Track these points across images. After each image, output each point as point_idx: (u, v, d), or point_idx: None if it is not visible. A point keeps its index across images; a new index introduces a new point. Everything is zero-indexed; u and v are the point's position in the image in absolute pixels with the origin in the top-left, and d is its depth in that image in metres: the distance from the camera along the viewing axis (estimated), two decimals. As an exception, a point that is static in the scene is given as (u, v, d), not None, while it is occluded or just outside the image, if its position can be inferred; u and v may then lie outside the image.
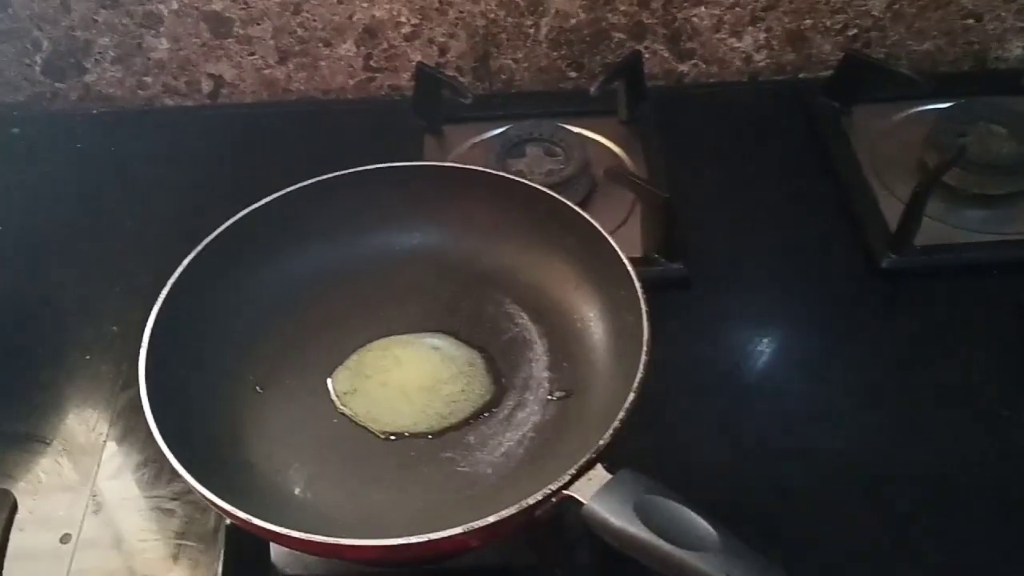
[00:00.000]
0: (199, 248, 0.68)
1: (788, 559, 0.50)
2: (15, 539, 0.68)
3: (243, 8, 0.96)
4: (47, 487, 0.71)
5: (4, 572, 0.66)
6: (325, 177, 0.72)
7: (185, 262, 0.67)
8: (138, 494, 0.70)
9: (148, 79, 1.02)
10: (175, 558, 0.66)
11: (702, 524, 0.49)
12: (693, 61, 1.02)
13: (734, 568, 0.47)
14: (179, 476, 0.66)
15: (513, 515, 0.53)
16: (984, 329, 0.78)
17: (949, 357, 0.76)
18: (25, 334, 0.82)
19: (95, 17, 0.97)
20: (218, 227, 0.69)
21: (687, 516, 0.50)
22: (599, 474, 0.53)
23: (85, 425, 0.75)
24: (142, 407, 0.59)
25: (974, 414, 0.73)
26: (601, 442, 0.55)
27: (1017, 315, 0.78)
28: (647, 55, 0.99)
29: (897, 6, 0.98)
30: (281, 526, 0.53)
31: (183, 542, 0.67)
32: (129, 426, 0.74)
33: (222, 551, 0.64)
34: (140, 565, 0.66)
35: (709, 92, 1.03)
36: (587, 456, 0.55)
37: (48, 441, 0.74)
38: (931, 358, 0.77)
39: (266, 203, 0.71)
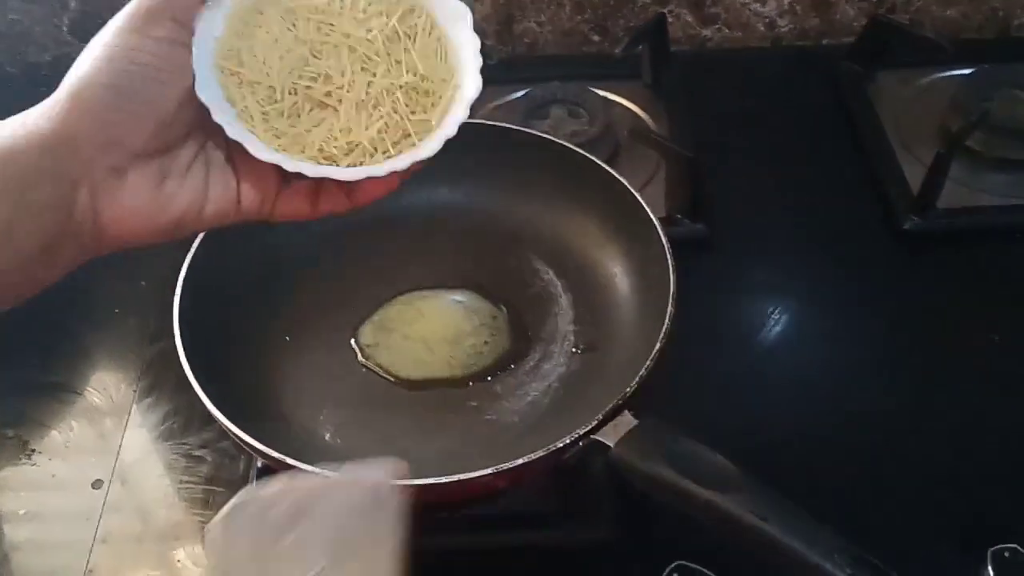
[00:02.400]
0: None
1: (807, 498, 0.51)
2: (49, 485, 0.70)
3: (269, -31, 0.97)
4: (79, 435, 0.72)
5: (42, 515, 0.67)
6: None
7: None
8: (168, 442, 0.71)
9: (174, 40, 1.02)
10: (205, 503, 0.67)
11: (726, 464, 0.50)
12: (717, 26, 1.02)
13: (757, 506, 0.48)
14: (209, 424, 0.69)
15: (542, 457, 0.54)
16: (1003, 290, 0.78)
17: (969, 318, 0.77)
18: (55, 290, 0.83)
19: (122, -23, 0.97)
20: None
21: (711, 458, 0.51)
22: (626, 420, 0.54)
23: (115, 376, 0.76)
24: (171, 359, 0.60)
25: (992, 374, 0.73)
26: (628, 389, 0.56)
27: (1037, 277, 0.78)
28: (671, 19, 0.99)
29: (922, -29, 0.98)
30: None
31: (213, 487, 0.68)
32: (158, 377, 0.75)
33: (252, 496, 0.65)
34: (170, 509, 0.67)
35: (732, 57, 1.03)
36: (614, 402, 0.56)
37: (79, 391, 0.75)
38: (951, 319, 0.77)
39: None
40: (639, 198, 0.68)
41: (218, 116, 0.46)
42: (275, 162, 0.47)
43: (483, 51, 0.92)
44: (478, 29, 1.05)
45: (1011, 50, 1.01)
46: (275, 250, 0.72)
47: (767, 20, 1.02)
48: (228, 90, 0.48)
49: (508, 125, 0.76)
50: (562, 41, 1.02)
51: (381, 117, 0.49)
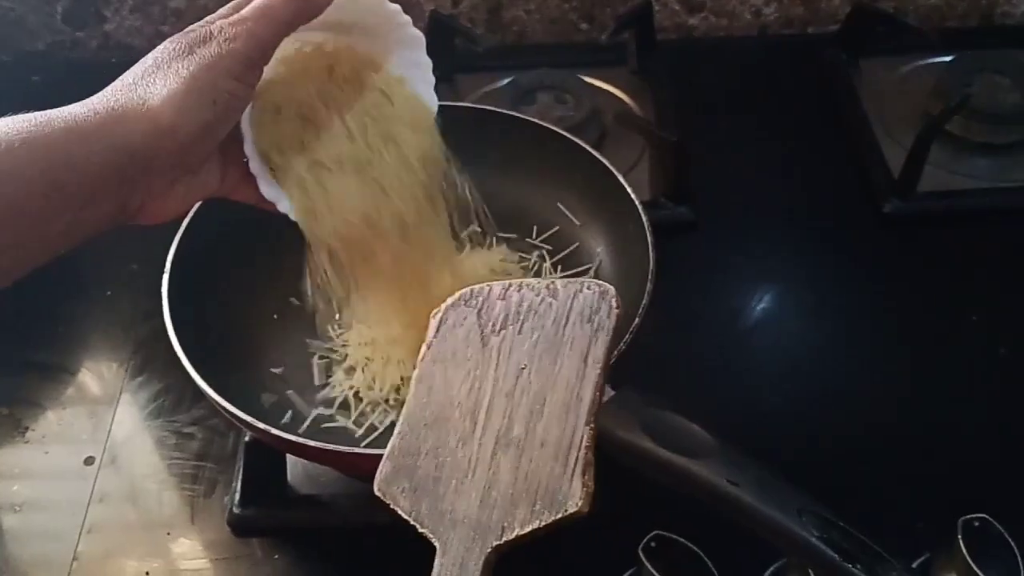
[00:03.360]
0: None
1: (783, 471, 0.52)
2: (42, 460, 0.71)
3: (260, -43, 0.98)
4: (71, 413, 0.74)
5: (35, 489, 0.69)
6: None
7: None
8: (159, 420, 0.72)
9: (166, 28, 1.03)
10: (195, 478, 0.68)
11: (702, 434, 0.51)
12: (703, 14, 1.03)
13: (733, 473, 0.49)
14: (199, 402, 0.70)
15: (521, 428, 0.55)
16: (981, 271, 0.80)
17: (948, 298, 0.78)
18: (48, 272, 0.83)
19: (115, -35, 0.99)
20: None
21: (688, 427, 0.52)
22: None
23: (107, 356, 0.77)
24: (162, 339, 0.61)
25: (973, 353, 0.74)
26: (607, 362, 0.57)
27: (1014, 258, 0.79)
28: (658, 8, 1.01)
29: (906, -40, 0.99)
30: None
31: (202, 463, 0.69)
32: (149, 357, 0.76)
33: (240, 470, 0.66)
34: (160, 485, 0.69)
35: (719, 45, 1.04)
36: (593, 374, 0.56)
37: (72, 371, 0.76)
38: (931, 299, 0.78)
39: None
40: (621, 179, 0.69)
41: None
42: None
43: (472, 39, 0.95)
44: (468, 18, 1.07)
45: (993, 37, 1.02)
46: (264, 229, 0.73)
47: (753, 9, 1.03)
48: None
49: (496, 109, 0.78)
50: (550, 29, 1.04)
51: None
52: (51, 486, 0.69)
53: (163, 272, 0.65)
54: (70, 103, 1.02)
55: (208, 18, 0.52)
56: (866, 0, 1.01)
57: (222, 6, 0.98)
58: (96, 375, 0.76)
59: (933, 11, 1.03)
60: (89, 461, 0.70)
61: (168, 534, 0.66)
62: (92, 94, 1.06)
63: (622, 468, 0.54)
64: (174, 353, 0.60)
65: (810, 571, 0.56)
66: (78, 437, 0.72)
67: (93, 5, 1.01)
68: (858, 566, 0.47)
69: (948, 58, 0.94)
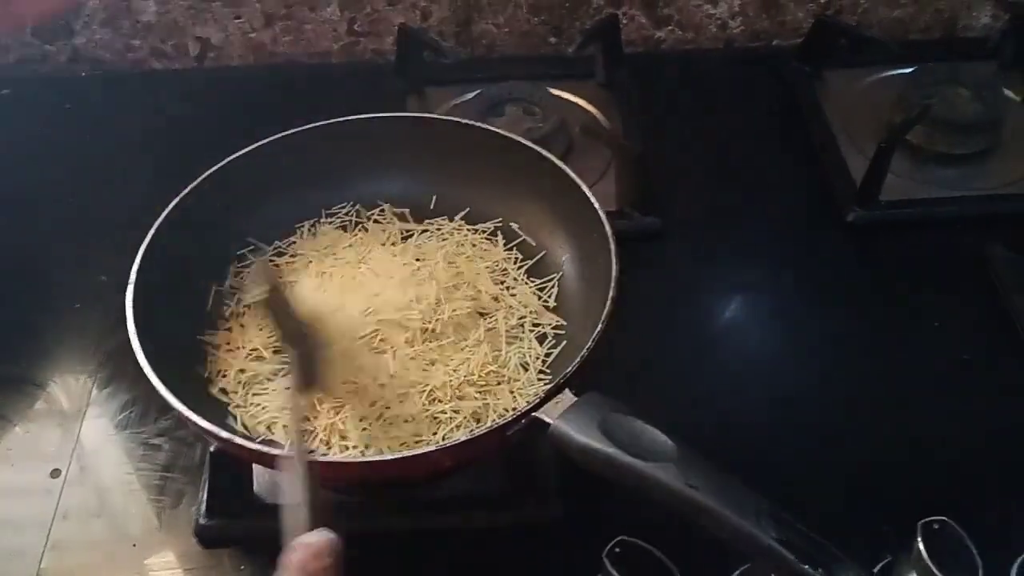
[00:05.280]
0: (183, 193, 0.71)
1: (745, 476, 0.53)
2: (7, 474, 0.70)
3: (230, -29, 0.99)
4: (38, 426, 0.73)
5: (1, 501, 0.69)
6: (310, 126, 0.75)
7: (169, 207, 0.70)
8: (125, 432, 0.72)
9: (136, 42, 1.03)
10: (161, 489, 0.68)
11: (662, 439, 0.52)
12: (670, 27, 1.05)
13: (692, 477, 0.50)
14: (166, 414, 0.70)
15: (485, 435, 0.55)
16: (944, 279, 0.81)
17: (910, 305, 0.80)
18: (17, 284, 0.84)
19: (84, -21, 0.99)
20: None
21: (648, 432, 0.53)
22: (566, 397, 0.56)
23: (75, 368, 0.77)
24: (129, 352, 0.61)
25: (935, 359, 0.76)
26: (568, 369, 0.58)
27: (975, 266, 0.80)
28: (625, 21, 1.02)
29: (868, -26, 1.01)
30: (262, 447, 0.56)
31: (169, 475, 0.69)
32: (116, 370, 0.76)
33: (207, 481, 0.66)
34: (127, 496, 0.69)
35: (685, 58, 1.05)
36: (556, 381, 0.57)
37: (39, 383, 0.76)
38: (893, 306, 0.80)
39: (248, 151, 0.74)
40: (585, 189, 0.70)
41: None
42: None
43: (441, 52, 0.96)
44: (438, 31, 1.07)
45: (954, 49, 1.03)
46: (229, 241, 0.74)
47: (719, 22, 1.04)
48: None
49: (465, 120, 0.78)
50: (519, 42, 1.05)
51: None
52: (17, 497, 0.69)
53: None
54: (40, 115, 1.02)
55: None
56: (829, 14, 1.02)
57: (189, 19, 0.98)
58: (64, 387, 0.75)
59: (896, 24, 1.05)
60: (55, 474, 0.70)
61: (134, 546, 0.66)
62: (62, 107, 1.06)
63: (586, 474, 0.55)
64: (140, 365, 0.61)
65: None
66: (44, 450, 0.71)
67: (63, 18, 1.01)
68: (817, 569, 0.48)
69: (909, 70, 0.96)
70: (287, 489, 0.50)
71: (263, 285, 0.61)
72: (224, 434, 0.56)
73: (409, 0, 1.01)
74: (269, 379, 0.67)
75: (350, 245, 0.74)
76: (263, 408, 0.65)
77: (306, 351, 0.59)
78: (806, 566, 0.47)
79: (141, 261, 0.65)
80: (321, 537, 0.46)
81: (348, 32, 1.04)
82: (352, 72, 1.04)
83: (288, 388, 0.61)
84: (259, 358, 0.68)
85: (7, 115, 1.00)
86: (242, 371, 0.68)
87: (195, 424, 0.57)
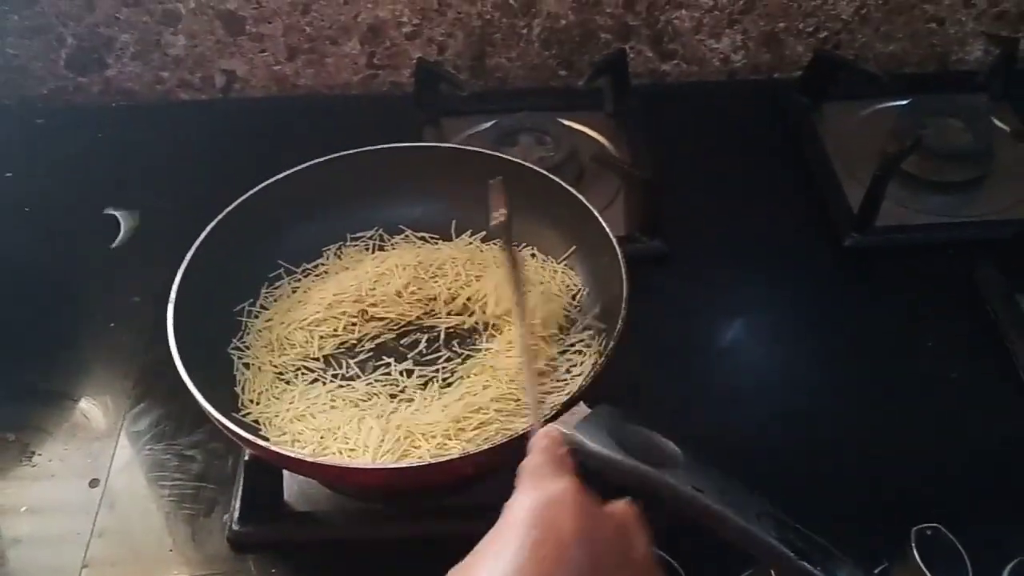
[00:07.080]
0: (217, 219, 0.75)
1: (750, 482, 0.56)
2: (48, 484, 0.74)
3: (255, 7, 1.03)
4: (77, 439, 0.77)
5: (41, 512, 0.72)
6: (336, 156, 0.80)
7: (204, 233, 0.74)
8: (161, 444, 0.76)
9: (165, 74, 1.08)
10: (195, 498, 0.72)
11: (671, 446, 0.56)
12: (675, 61, 1.09)
13: (699, 481, 0.53)
14: (199, 426, 0.74)
15: (504, 444, 0.59)
16: (936, 301, 0.85)
17: (905, 326, 0.83)
18: (55, 305, 0.88)
19: (117, 15, 1.04)
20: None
21: (657, 440, 0.56)
22: (581, 409, 0.60)
23: (111, 384, 0.81)
24: (163, 368, 0.66)
25: (926, 376, 0.79)
26: (583, 382, 0.62)
27: (967, 289, 0.84)
28: (632, 55, 1.07)
29: (864, 10, 1.06)
30: (296, 454, 0.60)
31: (203, 484, 0.73)
32: (151, 386, 0.80)
33: (240, 490, 0.70)
34: (163, 504, 0.72)
35: (690, 90, 1.10)
36: (572, 394, 0.61)
37: (76, 398, 0.80)
38: (889, 328, 0.84)
39: (279, 179, 0.78)
40: (597, 215, 0.74)
41: None
42: None
43: (457, 84, 1.00)
44: (453, 65, 1.12)
45: (947, 82, 1.08)
46: (260, 263, 0.78)
47: (722, 56, 1.09)
48: None
49: (480, 150, 0.83)
50: (531, 75, 1.09)
51: None
52: (57, 508, 0.73)
53: (165, 305, 0.69)
54: (73, 144, 1.07)
55: None
56: (828, 48, 1.07)
57: (216, 52, 1.03)
58: (100, 402, 0.79)
59: (892, 58, 1.09)
60: (94, 483, 0.74)
61: (170, 551, 0.69)
62: (94, 135, 1.11)
63: (596, 480, 0.59)
64: (173, 381, 0.65)
65: (774, 576, 0.61)
66: (83, 461, 0.75)
67: (96, 52, 1.06)
68: (816, 567, 0.52)
69: (904, 102, 1.01)
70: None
71: (502, 209, 0.67)
72: (260, 442, 0.60)
73: (426, 35, 1.06)
74: (292, 389, 0.71)
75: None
76: (291, 421, 0.69)
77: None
78: (805, 563, 0.51)
79: (180, 281, 0.70)
80: (557, 430, 0.55)
81: (368, 65, 1.08)
82: (371, 103, 1.09)
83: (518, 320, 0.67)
84: (284, 376, 0.73)
85: (42, 144, 1.05)
86: (274, 384, 0.72)
87: (233, 432, 0.61)
